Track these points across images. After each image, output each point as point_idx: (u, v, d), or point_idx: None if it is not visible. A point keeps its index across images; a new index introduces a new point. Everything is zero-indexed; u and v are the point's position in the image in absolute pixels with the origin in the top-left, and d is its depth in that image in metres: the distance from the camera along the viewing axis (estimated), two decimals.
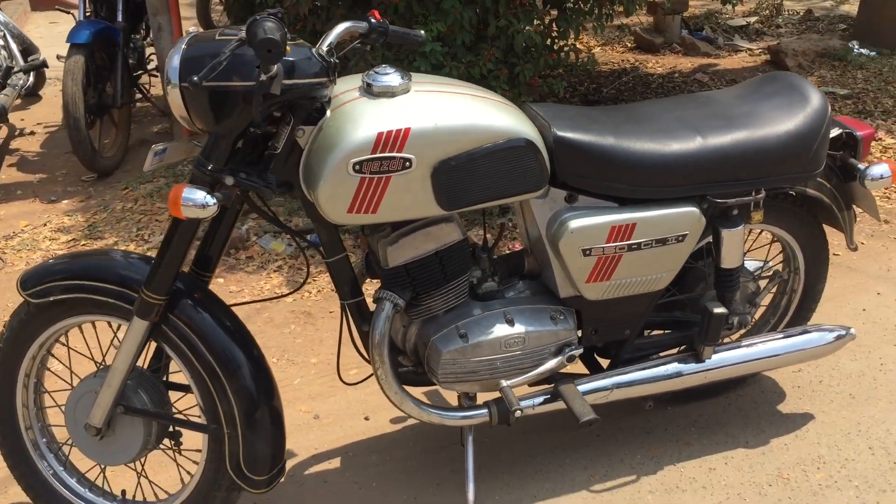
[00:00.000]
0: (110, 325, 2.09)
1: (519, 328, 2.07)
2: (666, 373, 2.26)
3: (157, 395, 2.05)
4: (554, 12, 4.02)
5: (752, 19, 6.60)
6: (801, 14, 6.81)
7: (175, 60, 1.75)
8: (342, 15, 3.77)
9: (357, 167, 1.78)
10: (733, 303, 2.28)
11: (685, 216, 2.07)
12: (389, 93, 1.84)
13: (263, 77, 1.69)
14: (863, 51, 5.54)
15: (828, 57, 5.55)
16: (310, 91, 1.78)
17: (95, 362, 2.16)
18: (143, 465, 2.14)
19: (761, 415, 2.54)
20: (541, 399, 2.15)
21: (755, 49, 6.00)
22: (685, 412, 2.56)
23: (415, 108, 1.83)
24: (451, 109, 1.86)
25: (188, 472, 2.11)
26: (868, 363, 2.75)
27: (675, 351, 2.38)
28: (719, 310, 2.19)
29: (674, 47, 6.01)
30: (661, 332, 2.42)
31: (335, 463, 2.43)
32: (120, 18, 4.52)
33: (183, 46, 1.76)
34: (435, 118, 1.82)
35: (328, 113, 1.83)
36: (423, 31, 2.13)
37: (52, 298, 1.96)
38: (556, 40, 3.94)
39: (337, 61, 1.78)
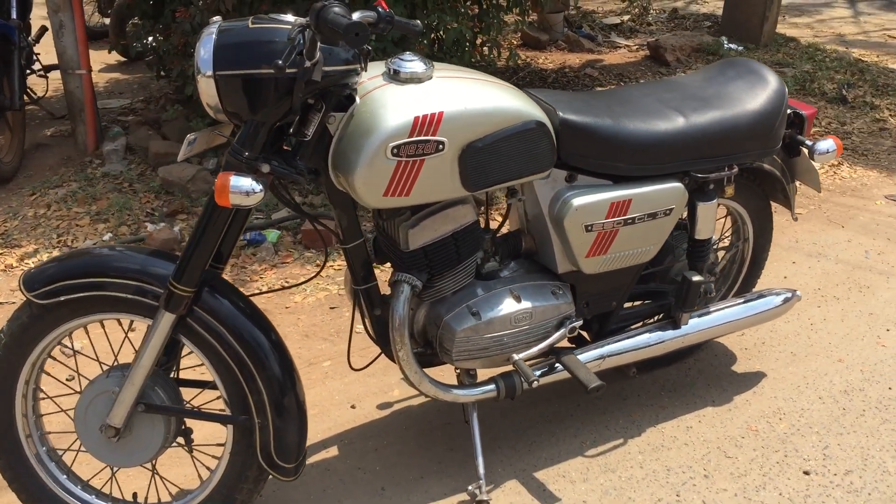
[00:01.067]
0: (120, 324, 2.03)
1: (526, 304, 2.17)
2: (650, 340, 2.42)
3: (171, 391, 2.01)
4: (475, 8, 4.14)
5: (625, 17, 6.98)
6: (668, 13, 7.27)
7: (207, 50, 1.73)
8: (265, 10, 3.74)
9: (395, 151, 1.82)
10: (703, 272, 2.47)
11: (672, 191, 2.24)
12: (416, 79, 1.90)
13: (308, 63, 1.70)
14: (732, 45, 6.00)
15: (702, 51, 5.97)
16: (343, 78, 1.81)
17: (100, 363, 2.09)
18: (155, 464, 2.09)
19: (720, 376, 2.76)
20: (546, 370, 2.26)
21: (632, 45, 6.36)
22: (653, 379, 2.74)
23: (444, 92, 1.89)
24: (476, 94, 1.93)
25: (206, 468, 2.08)
26: (800, 324, 3.03)
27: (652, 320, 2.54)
28: (697, 278, 2.38)
29: (559, 44, 6.27)
30: (635, 304, 2.58)
31: (333, 451, 2.44)
32: (14, 15, 4.27)
33: (213, 36, 1.74)
34: (464, 102, 1.89)
35: (357, 100, 1.86)
36: (419, 21, 2.19)
37: (62, 298, 1.89)
38: (480, 35, 4.06)
39: (370, 48, 1.81)
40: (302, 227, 3.57)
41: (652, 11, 7.14)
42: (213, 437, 2.21)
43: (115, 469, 2.10)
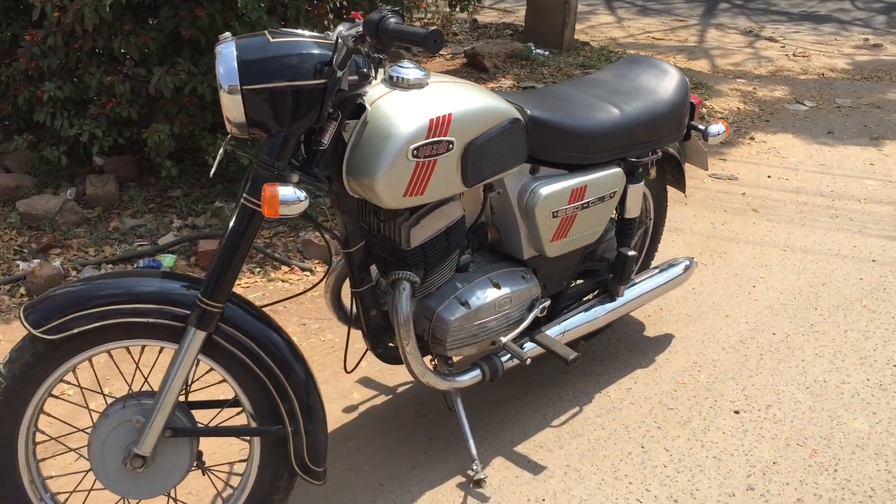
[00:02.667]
0: (129, 352, 1.97)
1: (505, 290, 2.34)
2: (597, 313, 2.68)
3: (187, 414, 1.99)
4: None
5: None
6: (469, 23, 7.68)
7: (230, 65, 1.75)
8: (129, 30, 3.62)
9: (415, 152, 1.93)
10: (632, 248, 2.76)
11: (615, 176, 2.50)
12: (418, 85, 2.02)
13: (339, 73, 1.78)
14: (539, 51, 6.48)
15: (516, 57, 6.40)
16: (360, 86, 1.89)
17: (103, 393, 2.01)
18: (176, 492, 2.04)
19: (637, 342, 3.07)
20: (527, 349, 2.44)
21: (447, 54, 6.68)
22: (584, 351, 3.00)
23: (446, 96, 2.02)
24: (470, 96, 2.08)
25: (230, 486, 2.07)
26: (684, 289, 3.43)
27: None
28: (632, 253, 2.66)
29: None
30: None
31: None
32: None
33: (232, 51, 1.76)
34: (465, 103, 2.03)
35: (369, 107, 1.95)
36: None
37: (76, 331, 1.81)
38: None
39: (382, 57, 1.91)
40: (200, 249, 3.50)
41: (454, 22, 7.51)
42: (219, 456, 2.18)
43: (137, 502, 2.02)
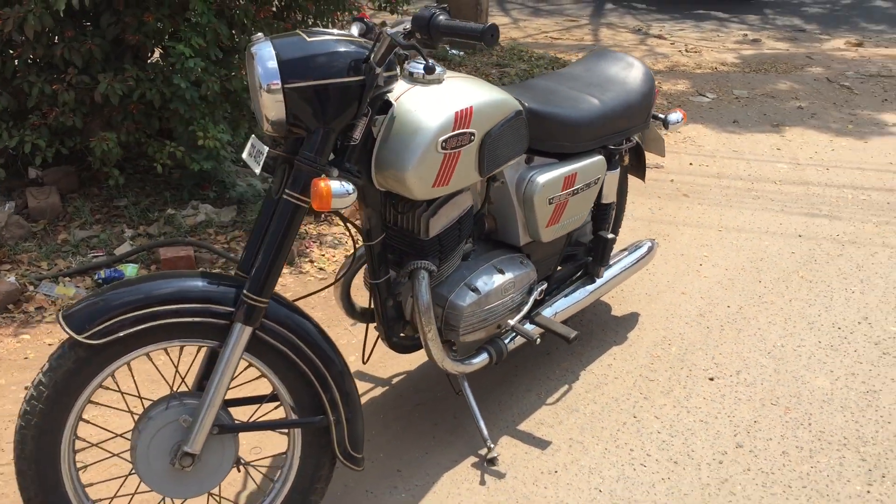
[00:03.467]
0: (167, 353, 1.98)
1: (509, 275, 2.46)
2: (582, 294, 2.83)
3: (225, 411, 2.01)
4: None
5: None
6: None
7: (269, 64, 1.79)
8: (71, 37, 3.54)
9: (443, 144, 2.02)
10: (609, 231, 2.92)
11: (598, 163, 2.65)
12: (437, 80, 2.10)
13: (378, 70, 1.85)
14: (454, 51, 6.62)
15: (433, 57, 6.51)
16: (390, 83, 1.96)
17: (140, 397, 2.00)
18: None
19: (607, 321, 3.24)
20: (523, 330, 2.55)
21: None
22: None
23: (464, 89, 2.12)
24: (483, 89, 2.18)
25: (269, 479, 2.10)
26: (640, 271, 3.62)
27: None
28: (611, 235, 2.82)
29: None
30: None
31: None
32: None
33: (270, 50, 1.80)
34: (481, 96, 2.13)
35: (394, 103, 2.02)
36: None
37: (121, 334, 1.81)
38: None
39: (407, 54, 1.98)
40: (162, 257, 3.45)
41: None
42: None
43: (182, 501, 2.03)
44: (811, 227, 4.10)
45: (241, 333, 1.86)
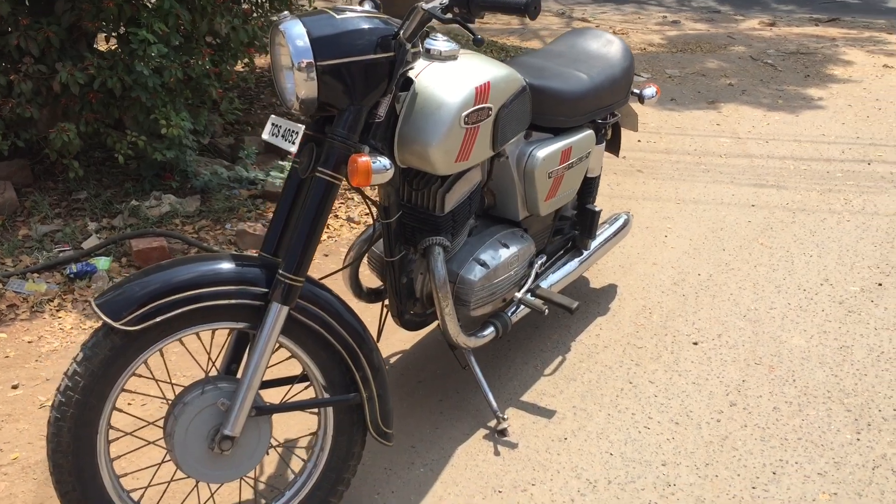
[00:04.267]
0: (199, 337, 1.96)
1: (513, 249, 2.51)
2: (572, 266, 2.90)
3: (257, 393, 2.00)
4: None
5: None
6: None
7: (300, 42, 1.78)
8: (26, 25, 3.42)
9: (466, 119, 2.05)
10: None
11: (589, 137, 2.72)
12: (452, 56, 2.13)
13: (409, 46, 1.86)
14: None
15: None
16: (415, 59, 1.98)
17: (171, 383, 1.98)
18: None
19: (589, 294, 3.33)
20: (531, 302, 2.60)
21: None
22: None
23: (479, 65, 2.15)
24: (494, 64, 2.21)
25: (300, 458, 2.10)
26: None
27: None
28: (598, 208, 2.90)
29: None
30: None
31: None
32: None
33: (301, 29, 1.79)
34: (495, 71, 2.17)
35: (415, 79, 2.04)
36: None
37: (159, 319, 1.79)
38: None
39: (428, 31, 2.00)
40: (135, 249, 3.37)
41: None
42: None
43: (220, 484, 2.01)
44: (762, 197, 4.28)
45: (279, 313, 1.86)
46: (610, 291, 3.34)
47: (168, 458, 1.94)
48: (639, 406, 2.66)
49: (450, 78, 2.07)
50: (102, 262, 3.34)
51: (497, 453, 2.45)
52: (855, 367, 2.87)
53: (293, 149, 1.85)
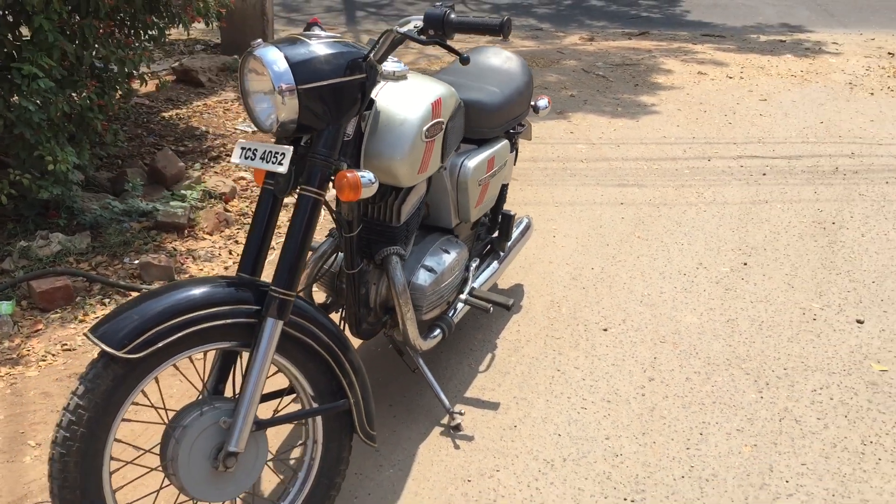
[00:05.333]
0: (191, 360, 1.99)
1: (453, 254, 2.68)
2: (494, 268, 3.09)
3: None
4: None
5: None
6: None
7: (280, 67, 1.88)
8: None
9: (427, 134, 2.20)
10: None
11: (506, 146, 2.94)
12: (402, 76, 2.27)
13: (379, 67, 2.00)
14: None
15: (227, 70, 6.47)
16: (379, 79, 2.11)
17: (163, 408, 1.99)
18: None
19: (501, 293, 3.54)
20: (476, 302, 2.77)
21: (160, 71, 6.52)
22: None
23: (426, 83, 2.31)
24: (437, 82, 2.38)
25: (292, 469, 2.16)
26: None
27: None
28: (514, 213, 3.13)
29: None
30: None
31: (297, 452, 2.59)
32: None
33: (279, 54, 1.88)
34: (441, 88, 2.33)
35: (375, 98, 2.17)
36: None
37: (160, 345, 1.82)
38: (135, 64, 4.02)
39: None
40: (38, 290, 3.26)
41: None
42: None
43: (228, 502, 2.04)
44: (627, 196, 4.68)
45: (275, 328, 1.93)
46: (518, 291, 3.57)
47: (167, 483, 1.96)
48: (571, 390, 2.89)
49: (406, 96, 2.21)
50: (5, 307, 3.20)
51: (457, 447, 2.60)
52: (743, 336, 3.24)
53: (282, 169, 1.91)
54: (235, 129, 5.39)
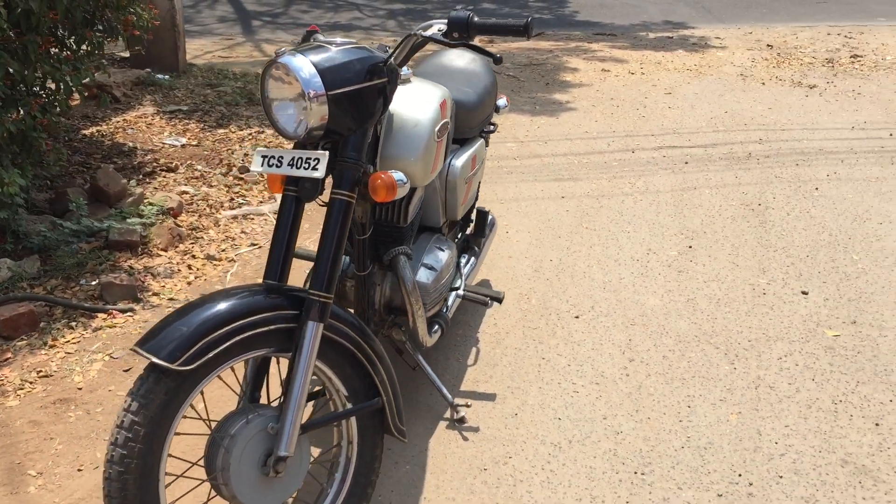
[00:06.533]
0: (233, 370, 1.99)
1: (447, 252, 2.75)
2: (473, 264, 3.17)
3: None
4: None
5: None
6: None
7: (309, 74, 1.91)
8: None
9: (438, 134, 2.26)
10: None
11: (482, 146, 3.03)
12: (408, 80, 2.33)
13: (399, 71, 2.05)
14: (160, 76, 6.47)
15: (142, 84, 6.31)
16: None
17: (206, 420, 1.99)
18: None
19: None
20: (475, 297, 2.84)
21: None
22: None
23: (429, 86, 2.37)
24: (436, 85, 2.44)
25: (328, 471, 2.19)
26: None
27: None
28: (487, 209, 3.22)
29: None
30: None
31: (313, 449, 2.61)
32: None
33: (306, 61, 1.91)
34: (441, 90, 2.40)
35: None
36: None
37: (210, 355, 1.83)
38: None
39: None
40: (1, 318, 3.14)
41: None
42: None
43: None
44: (566, 189, 4.85)
45: (316, 331, 1.95)
46: (485, 286, 3.66)
47: (213, 494, 1.95)
48: (560, 376, 3.00)
49: (415, 98, 2.27)
50: None
51: (465, 438, 2.67)
52: (705, 313, 3.44)
53: (318, 174, 1.93)
54: (163, 143, 5.27)
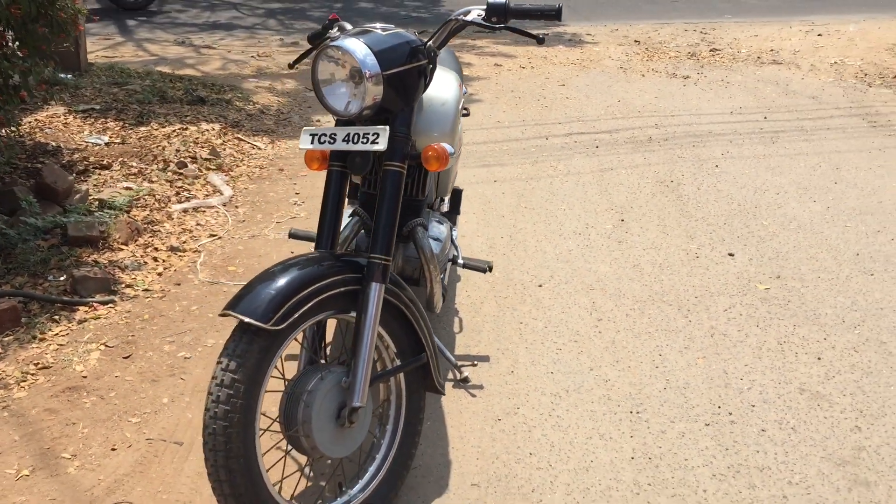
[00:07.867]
0: (304, 332, 2.14)
1: (446, 225, 2.96)
2: (456, 235, 3.41)
3: None
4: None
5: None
6: None
7: (365, 55, 2.09)
8: None
9: (464, 111, 2.48)
10: None
11: (461, 128, 3.26)
12: None
13: (438, 52, 2.26)
14: (63, 75, 6.31)
15: (46, 83, 6.13)
16: None
17: (285, 379, 2.14)
18: None
19: None
20: (475, 265, 3.06)
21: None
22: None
23: (444, 70, 2.58)
24: (451, 69, 2.66)
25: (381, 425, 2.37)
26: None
27: None
28: (460, 188, 3.46)
29: None
30: None
31: None
32: None
33: (361, 44, 2.09)
34: (455, 74, 2.62)
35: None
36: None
37: (296, 315, 1.98)
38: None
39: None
40: None
41: None
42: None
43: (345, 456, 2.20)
44: (496, 174, 5.14)
45: (379, 291, 2.13)
46: (453, 277, 3.89)
47: (290, 448, 2.10)
48: (541, 336, 3.28)
49: (439, 79, 2.47)
50: None
51: (473, 395, 2.89)
52: (652, 276, 3.80)
53: (380, 147, 2.10)
54: (86, 141, 5.20)
